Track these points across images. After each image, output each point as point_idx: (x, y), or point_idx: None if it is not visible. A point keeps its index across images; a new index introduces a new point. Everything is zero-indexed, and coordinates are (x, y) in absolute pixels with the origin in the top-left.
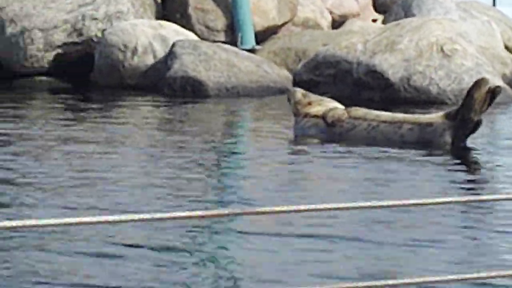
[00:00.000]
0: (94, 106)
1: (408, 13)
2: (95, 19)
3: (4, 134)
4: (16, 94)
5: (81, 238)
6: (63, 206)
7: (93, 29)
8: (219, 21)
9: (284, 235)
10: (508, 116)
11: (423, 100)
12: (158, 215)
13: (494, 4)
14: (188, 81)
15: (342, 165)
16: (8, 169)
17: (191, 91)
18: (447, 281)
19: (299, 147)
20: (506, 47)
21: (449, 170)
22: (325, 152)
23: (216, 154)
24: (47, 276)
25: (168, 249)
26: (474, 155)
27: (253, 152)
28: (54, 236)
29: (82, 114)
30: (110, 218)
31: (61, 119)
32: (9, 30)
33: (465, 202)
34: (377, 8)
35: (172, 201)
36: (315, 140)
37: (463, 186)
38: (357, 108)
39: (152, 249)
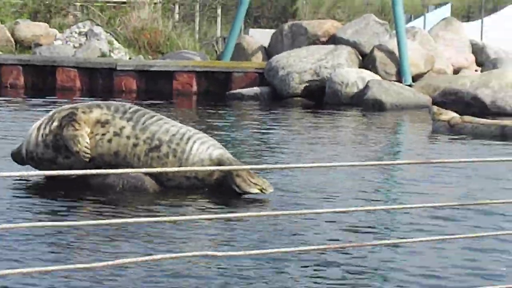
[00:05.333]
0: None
1: (495, 67)
2: (326, 68)
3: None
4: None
5: None
6: None
7: (324, 73)
8: (392, 68)
9: None
10: None
11: (506, 113)
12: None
13: None
14: (375, 101)
15: (459, 144)
16: None
17: (371, 106)
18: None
19: (435, 136)
20: None
21: None
22: (450, 139)
23: None
24: None
25: None
26: None
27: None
28: None
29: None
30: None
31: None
32: (281, 73)
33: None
34: (478, 63)
35: None
36: (443, 134)
37: None
38: (467, 116)
39: None
